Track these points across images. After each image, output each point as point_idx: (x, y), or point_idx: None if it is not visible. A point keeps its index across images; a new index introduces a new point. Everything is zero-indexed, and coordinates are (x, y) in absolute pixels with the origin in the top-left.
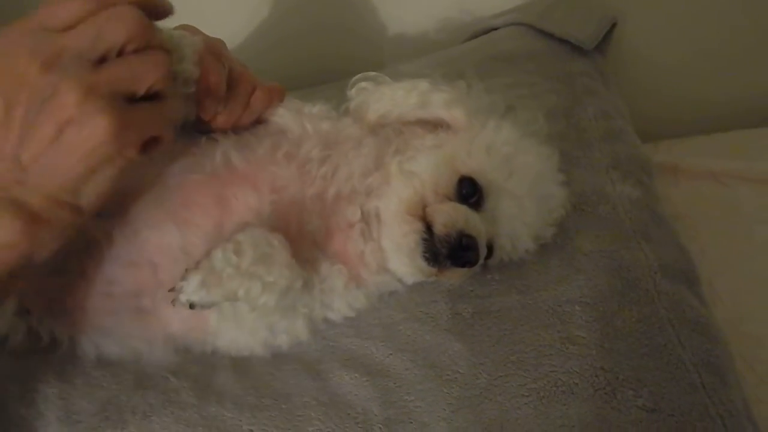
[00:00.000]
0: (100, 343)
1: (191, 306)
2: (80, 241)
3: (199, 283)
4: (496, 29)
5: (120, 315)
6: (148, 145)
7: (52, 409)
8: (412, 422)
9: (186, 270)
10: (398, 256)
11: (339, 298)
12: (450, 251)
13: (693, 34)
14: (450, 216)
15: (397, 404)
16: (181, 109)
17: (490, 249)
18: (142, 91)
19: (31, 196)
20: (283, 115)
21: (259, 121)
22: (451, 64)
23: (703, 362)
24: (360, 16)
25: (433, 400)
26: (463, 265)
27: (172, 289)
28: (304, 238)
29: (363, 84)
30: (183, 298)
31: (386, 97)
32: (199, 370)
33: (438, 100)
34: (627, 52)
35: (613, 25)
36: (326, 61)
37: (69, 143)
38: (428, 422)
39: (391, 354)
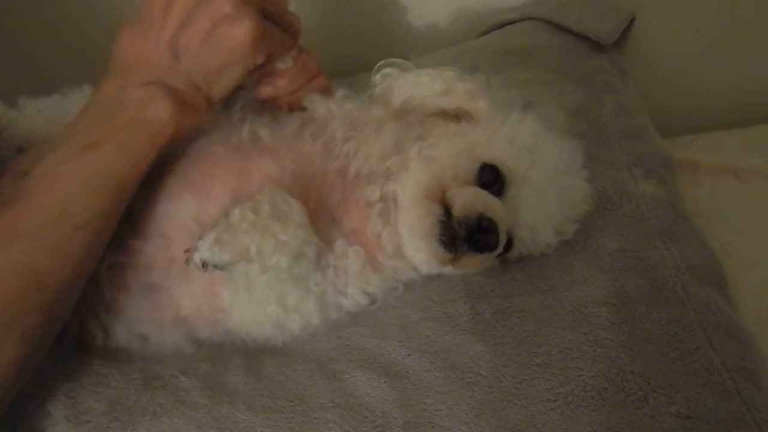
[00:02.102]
0: (108, 325)
1: (204, 265)
2: None
3: (214, 239)
4: (510, 23)
5: (131, 292)
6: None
7: (60, 408)
8: (433, 427)
9: (203, 231)
10: (414, 240)
11: (353, 282)
12: (468, 233)
13: (711, 28)
14: (470, 198)
15: (417, 407)
16: None
17: (510, 241)
18: (269, 12)
19: (178, 83)
20: (314, 99)
21: (300, 108)
22: (465, 59)
23: (737, 367)
24: (372, 11)
25: (454, 403)
26: (481, 250)
27: (188, 250)
28: (322, 213)
29: (387, 70)
30: (197, 256)
31: (411, 83)
32: (210, 368)
33: (462, 90)
34: (643, 45)
35: (631, 21)
36: (336, 57)
37: (219, 37)
38: (450, 427)
39: (409, 355)
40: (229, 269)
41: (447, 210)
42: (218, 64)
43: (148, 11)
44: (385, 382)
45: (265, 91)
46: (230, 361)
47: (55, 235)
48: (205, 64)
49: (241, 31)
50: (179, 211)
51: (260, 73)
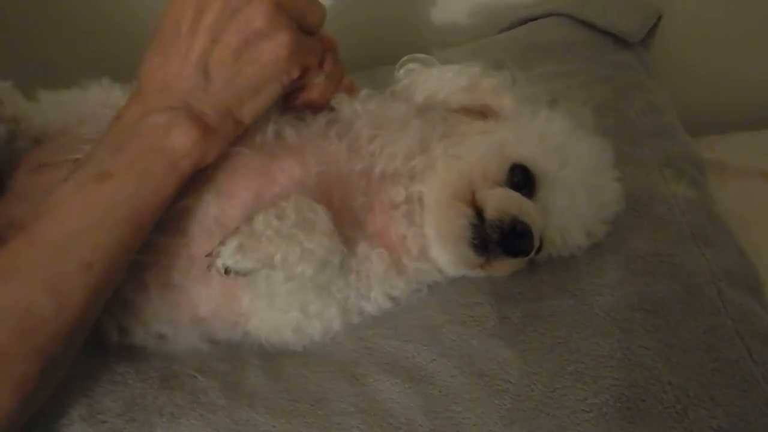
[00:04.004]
0: (124, 324)
1: (226, 271)
2: None
3: (236, 246)
4: (533, 19)
5: (148, 291)
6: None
7: (76, 407)
8: None
9: (225, 236)
10: (442, 243)
11: (377, 286)
12: (502, 237)
13: (738, 25)
14: (503, 201)
15: (444, 415)
16: None
17: (540, 243)
18: (308, 24)
19: (205, 106)
20: (339, 100)
21: (328, 108)
22: (488, 54)
23: None
24: (392, 5)
25: (483, 411)
26: (515, 255)
27: (209, 254)
28: (345, 216)
29: (411, 65)
30: (219, 262)
31: (434, 78)
32: (227, 368)
33: (487, 86)
34: (669, 42)
35: (658, 19)
36: (356, 51)
37: (252, 53)
38: None
39: (434, 359)
40: (251, 275)
41: (478, 212)
42: (252, 82)
43: (173, 30)
44: (409, 387)
45: (297, 105)
46: (248, 361)
47: (55, 274)
48: (238, 83)
49: (275, 46)
50: (200, 210)
51: (290, 87)
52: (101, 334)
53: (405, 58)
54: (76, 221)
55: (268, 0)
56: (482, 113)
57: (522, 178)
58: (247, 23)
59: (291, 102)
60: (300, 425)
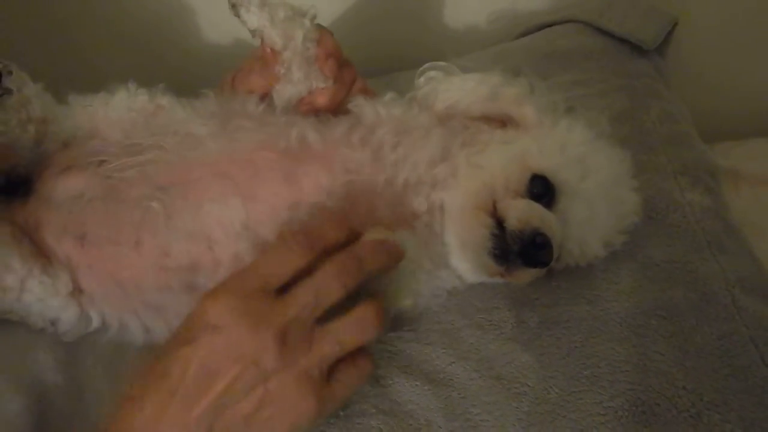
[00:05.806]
0: (149, 325)
1: None
2: (136, 211)
3: None
4: (549, 26)
5: (173, 291)
6: None
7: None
8: None
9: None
10: (463, 251)
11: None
12: (522, 248)
13: (752, 32)
14: (525, 212)
15: (463, 416)
16: None
17: (558, 253)
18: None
19: None
20: (359, 103)
21: (343, 111)
22: (505, 61)
23: None
24: (409, 11)
25: (501, 414)
26: (534, 265)
27: None
28: (369, 225)
29: (432, 73)
30: None
31: (456, 87)
32: None
33: (509, 95)
34: (683, 49)
35: (674, 26)
36: (374, 56)
37: (272, 419)
38: None
39: (453, 362)
40: None
41: (499, 222)
42: None
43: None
44: (428, 389)
45: (307, 109)
46: None
47: None
48: None
49: (299, 411)
50: (226, 214)
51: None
52: (127, 335)
53: (425, 66)
54: None
55: (296, 370)
56: (502, 121)
57: (542, 189)
58: (272, 392)
59: (302, 108)
60: (322, 424)
